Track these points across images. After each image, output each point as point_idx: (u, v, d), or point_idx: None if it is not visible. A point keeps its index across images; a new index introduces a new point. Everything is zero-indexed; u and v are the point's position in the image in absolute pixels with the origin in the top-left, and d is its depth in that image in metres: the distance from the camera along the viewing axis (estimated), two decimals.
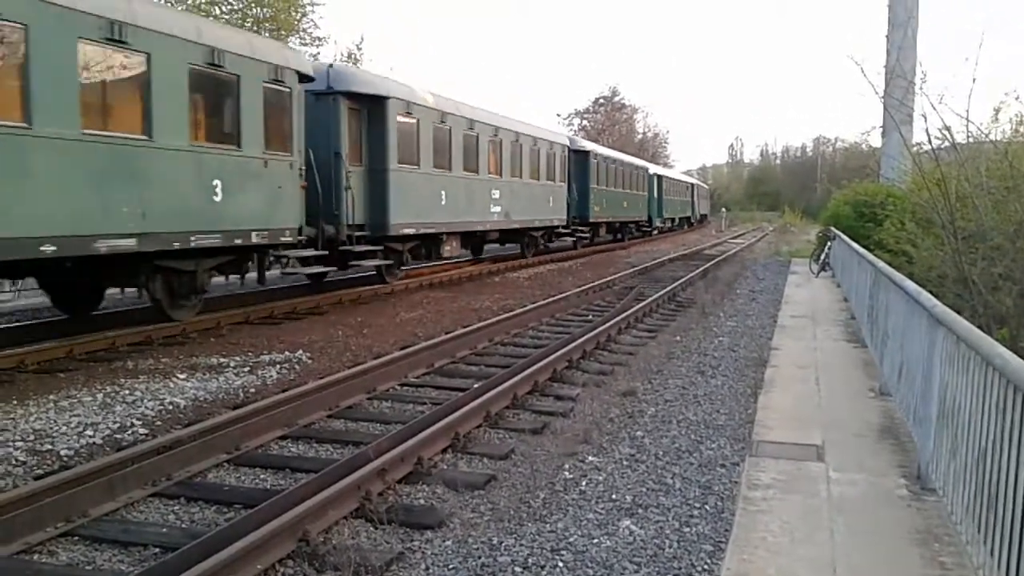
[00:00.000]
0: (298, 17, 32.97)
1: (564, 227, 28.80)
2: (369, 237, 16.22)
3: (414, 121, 17.44)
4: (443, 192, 18.92)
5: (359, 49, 36.18)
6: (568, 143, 29.94)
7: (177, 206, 11.05)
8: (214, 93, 11.98)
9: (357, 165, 15.89)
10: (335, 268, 15.91)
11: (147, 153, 10.54)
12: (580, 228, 30.64)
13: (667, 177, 51.48)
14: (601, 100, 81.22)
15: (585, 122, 79.10)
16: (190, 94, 11.25)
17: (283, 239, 13.28)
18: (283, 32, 31.87)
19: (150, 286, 11.54)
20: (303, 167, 13.89)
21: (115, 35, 9.84)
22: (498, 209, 22.48)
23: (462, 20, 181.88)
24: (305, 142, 14.03)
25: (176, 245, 11.06)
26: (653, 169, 46.93)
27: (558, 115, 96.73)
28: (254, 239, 12.58)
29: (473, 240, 22.51)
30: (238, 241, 12.24)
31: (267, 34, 29.82)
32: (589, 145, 33.07)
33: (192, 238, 11.29)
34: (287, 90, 13.35)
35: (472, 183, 20.66)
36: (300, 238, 13.79)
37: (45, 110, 9.06)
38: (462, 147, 20.02)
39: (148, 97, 10.53)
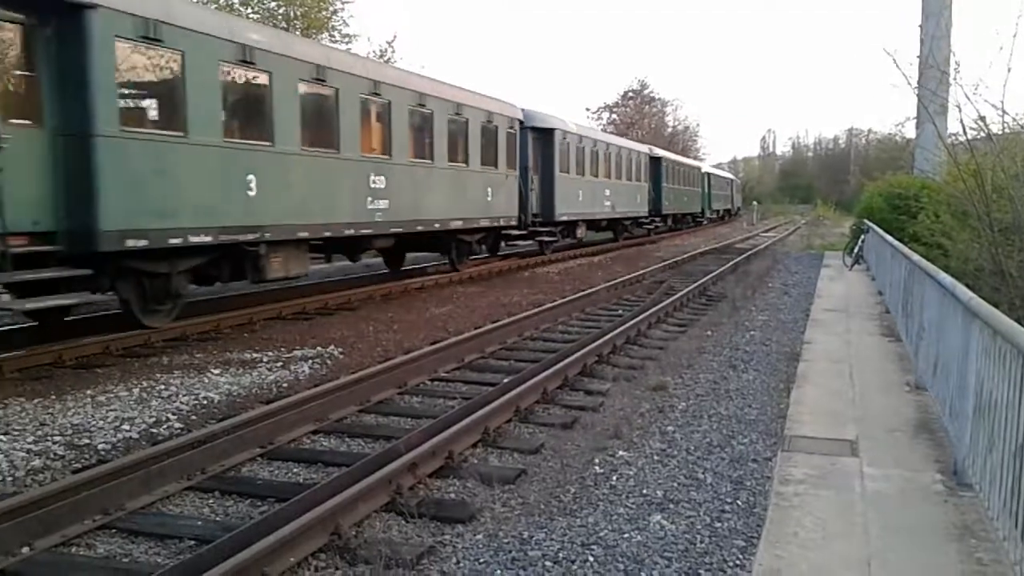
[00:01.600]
0: (328, 15, 33.13)
1: (645, 218, 36.74)
2: (541, 222, 23.97)
3: (567, 143, 25.49)
4: (580, 191, 26.64)
5: (391, 47, 36.26)
6: (648, 152, 38.07)
7: (474, 203, 19.31)
8: (488, 137, 20.21)
9: (536, 174, 23.73)
10: (530, 240, 24.55)
11: (465, 173, 18.91)
12: (655, 218, 38.80)
13: (714, 175, 58.84)
14: (630, 93, 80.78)
15: (614, 116, 78.73)
16: (480, 139, 19.64)
17: (511, 223, 21.72)
18: (313, 30, 32.05)
19: (450, 249, 19.33)
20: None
21: (458, 114, 18.34)
22: (608, 204, 30.21)
23: (490, 11, 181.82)
24: None
25: (473, 225, 19.23)
26: (704, 168, 55.04)
27: (587, 109, 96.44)
28: (501, 223, 21.05)
29: (592, 226, 30.17)
30: (494, 224, 20.67)
31: (298, 32, 30.00)
32: (661, 153, 40.96)
33: (480, 221, 19.62)
34: (514, 132, 21.92)
35: (595, 184, 28.47)
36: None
37: (438, 154, 17.55)
38: (590, 159, 28.06)
39: (467, 143, 19.04)
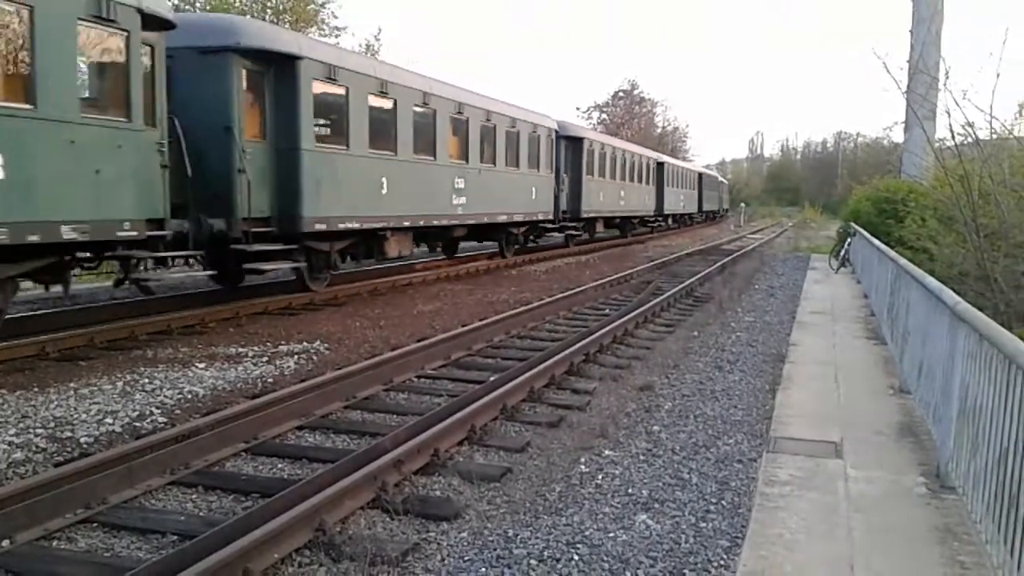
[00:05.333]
0: (316, 8, 33.03)
1: (696, 213, 55.65)
2: (658, 214, 40.98)
3: (671, 171, 43.04)
4: (675, 196, 44.54)
5: (377, 40, 36.30)
6: (701, 169, 60.59)
7: (640, 201, 36.75)
8: (647, 170, 37.82)
9: (655, 186, 39.24)
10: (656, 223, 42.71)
11: (641, 186, 36.71)
12: (700, 213, 57.62)
13: (723, 183, 77.56)
14: (620, 93, 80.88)
15: (604, 116, 78.80)
16: (652, 172, 38.83)
17: (646, 216, 39.24)
18: (302, 24, 31.91)
19: (626, 226, 36.80)
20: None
21: (647, 162, 38.08)
22: (682, 204, 48.19)
23: (479, 9, 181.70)
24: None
25: (639, 213, 37.31)
26: (721, 179, 76.13)
27: (577, 108, 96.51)
28: (642, 213, 37.38)
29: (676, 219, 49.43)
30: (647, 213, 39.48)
31: (287, 25, 29.85)
32: (702, 169, 62.80)
33: (643, 212, 38.17)
34: (657, 165, 40.07)
35: (679, 192, 46.26)
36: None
37: (635, 177, 35.82)
38: (679, 178, 46.28)
39: (647, 174, 37.70)
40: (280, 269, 13.42)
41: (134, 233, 9.96)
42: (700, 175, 57.14)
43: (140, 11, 9.87)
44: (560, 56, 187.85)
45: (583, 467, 6.03)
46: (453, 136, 18.14)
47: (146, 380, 8.46)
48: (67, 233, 9.04)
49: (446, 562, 4.53)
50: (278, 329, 11.60)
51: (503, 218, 21.22)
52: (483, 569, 4.40)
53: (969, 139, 12.90)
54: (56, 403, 7.53)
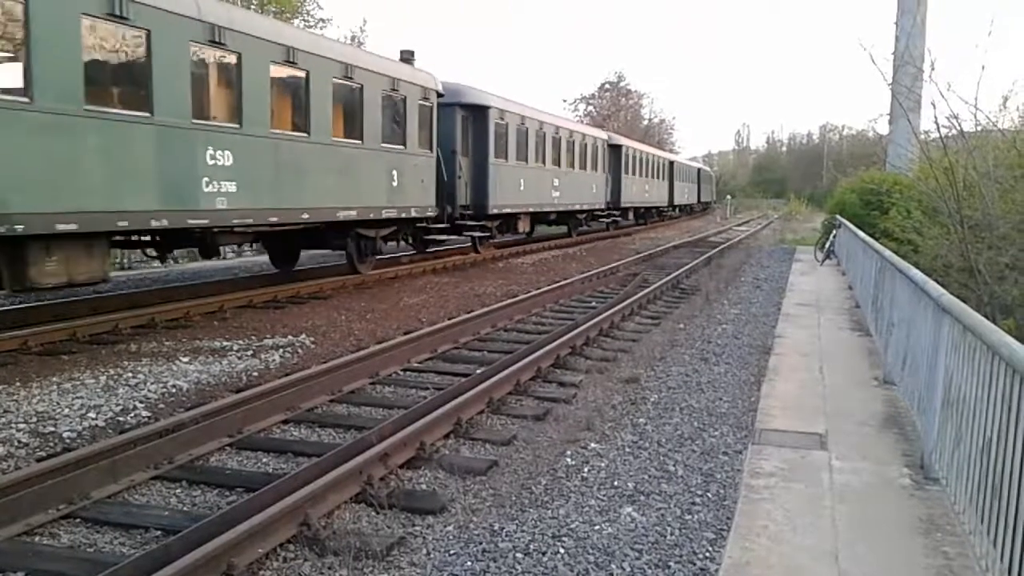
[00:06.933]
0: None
1: (696, 203, 63.32)
2: (668, 206, 49.40)
3: (680, 167, 52.48)
4: (682, 189, 51.94)
5: (363, 31, 36.19)
6: (699, 165, 68.78)
7: (659, 193, 45.99)
8: (659, 168, 44.73)
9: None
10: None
11: (659, 182, 46.38)
12: (699, 204, 65.72)
13: (712, 175, 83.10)
14: (607, 85, 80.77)
15: (591, 108, 78.71)
16: (668, 171, 48.48)
17: (664, 206, 47.09)
18: (286, 14, 31.73)
19: (649, 215, 45.56)
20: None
21: (660, 164, 46.93)
22: (686, 197, 54.88)
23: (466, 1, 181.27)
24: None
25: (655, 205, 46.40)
26: (711, 172, 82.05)
27: (564, 100, 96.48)
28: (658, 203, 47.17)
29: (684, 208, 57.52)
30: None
31: (271, 15, 29.66)
32: (703, 167, 71.22)
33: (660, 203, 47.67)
34: (669, 164, 47.75)
35: (683, 185, 53.14)
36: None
37: (657, 177, 45.90)
38: (684, 174, 54.12)
39: (657, 172, 45.55)
40: (477, 235, 21.67)
41: (431, 214, 18.19)
42: (699, 170, 66.13)
43: (437, 91, 18.20)
44: (545, 46, 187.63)
45: (569, 460, 6.03)
46: (553, 149, 26.43)
47: (129, 374, 8.40)
48: (412, 212, 17.11)
49: (431, 556, 4.52)
50: (263, 323, 11.55)
51: (577, 207, 29.34)
52: (469, 563, 4.39)
53: (954, 131, 12.96)
54: (38, 398, 7.47)
